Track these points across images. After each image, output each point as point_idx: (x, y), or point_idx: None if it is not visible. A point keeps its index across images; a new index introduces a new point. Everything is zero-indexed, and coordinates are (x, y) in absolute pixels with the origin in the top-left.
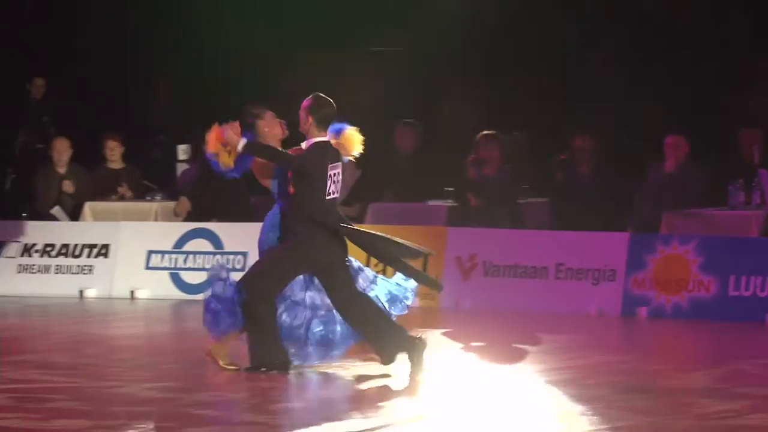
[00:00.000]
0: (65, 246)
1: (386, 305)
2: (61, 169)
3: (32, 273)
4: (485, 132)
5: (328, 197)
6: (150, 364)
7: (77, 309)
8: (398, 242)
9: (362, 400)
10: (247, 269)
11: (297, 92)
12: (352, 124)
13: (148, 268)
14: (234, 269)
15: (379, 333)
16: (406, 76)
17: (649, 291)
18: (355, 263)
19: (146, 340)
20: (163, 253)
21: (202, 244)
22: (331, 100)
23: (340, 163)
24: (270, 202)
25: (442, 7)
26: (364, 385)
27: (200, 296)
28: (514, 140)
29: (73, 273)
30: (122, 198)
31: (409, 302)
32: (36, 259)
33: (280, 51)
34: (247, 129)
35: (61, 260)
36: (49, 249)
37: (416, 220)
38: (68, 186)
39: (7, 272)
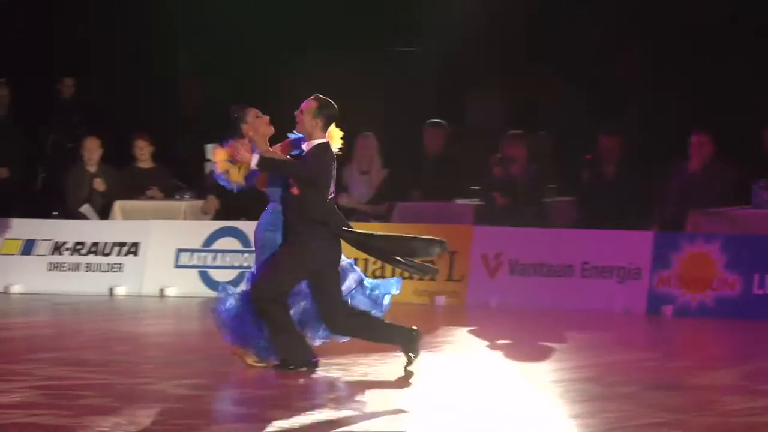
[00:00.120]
0: (95, 244)
1: (369, 307)
2: (92, 168)
3: (63, 271)
4: (512, 131)
5: (329, 197)
6: (179, 362)
7: (107, 307)
8: (405, 238)
9: (387, 396)
10: None
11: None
12: (379, 124)
13: (177, 266)
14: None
15: (370, 336)
16: (433, 76)
17: (674, 289)
18: (347, 260)
19: (175, 338)
20: (192, 251)
21: (230, 243)
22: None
23: (335, 162)
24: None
25: (468, 6)
26: (388, 382)
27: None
28: (540, 139)
29: (103, 271)
30: (152, 198)
31: (387, 301)
32: (66, 257)
33: (304, 52)
34: (236, 131)
35: (92, 258)
36: (79, 247)
37: (443, 219)
38: (99, 184)
39: (37, 270)
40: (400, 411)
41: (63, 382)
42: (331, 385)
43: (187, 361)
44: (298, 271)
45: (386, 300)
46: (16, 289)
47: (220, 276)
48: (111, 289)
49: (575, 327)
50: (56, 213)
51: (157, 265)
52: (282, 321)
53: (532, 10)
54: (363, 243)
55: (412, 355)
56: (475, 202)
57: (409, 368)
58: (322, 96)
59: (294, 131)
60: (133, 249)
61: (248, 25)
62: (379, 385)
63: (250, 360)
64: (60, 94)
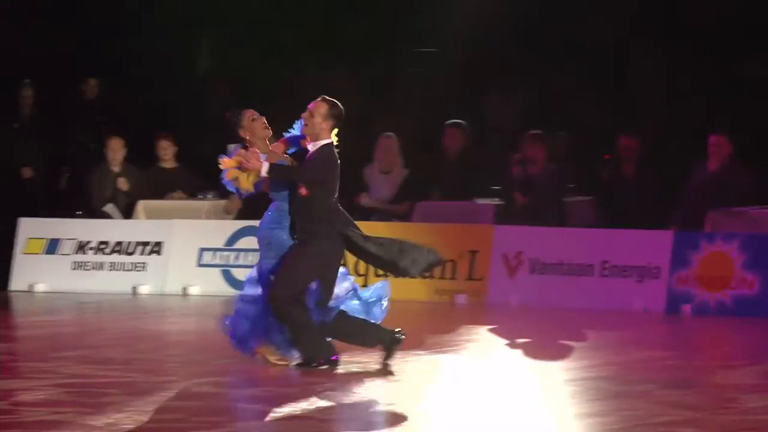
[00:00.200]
0: (119, 243)
1: (363, 314)
2: (116, 168)
3: (86, 270)
4: (531, 132)
5: (335, 196)
6: (202, 360)
7: (131, 305)
8: (409, 246)
9: (408, 395)
10: None
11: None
12: (400, 125)
13: (200, 265)
14: None
15: (355, 338)
16: (454, 76)
17: (692, 288)
18: (343, 268)
19: (198, 336)
20: (214, 250)
21: (252, 242)
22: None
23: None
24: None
25: (488, 7)
26: (408, 380)
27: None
28: (559, 140)
29: (126, 270)
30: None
31: (384, 306)
32: (90, 257)
33: (326, 52)
34: (234, 135)
35: (115, 257)
36: (103, 246)
37: (463, 219)
38: (123, 183)
39: (62, 269)
40: (421, 410)
41: (86, 380)
42: (352, 383)
43: (209, 360)
44: (312, 269)
45: (384, 304)
46: (40, 287)
47: (243, 275)
48: (134, 288)
49: (595, 326)
50: (80, 212)
51: (180, 264)
52: (302, 319)
53: (551, 10)
54: (363, 248)
55: (390, 353)
56: (496, 201)
57: (388, 362)
58: (329, 97)
59: (290, 130)
60: (157, 248)
61: (270, 25)
62: (400, 383)
63: (273, 358)
64: (84, 94)
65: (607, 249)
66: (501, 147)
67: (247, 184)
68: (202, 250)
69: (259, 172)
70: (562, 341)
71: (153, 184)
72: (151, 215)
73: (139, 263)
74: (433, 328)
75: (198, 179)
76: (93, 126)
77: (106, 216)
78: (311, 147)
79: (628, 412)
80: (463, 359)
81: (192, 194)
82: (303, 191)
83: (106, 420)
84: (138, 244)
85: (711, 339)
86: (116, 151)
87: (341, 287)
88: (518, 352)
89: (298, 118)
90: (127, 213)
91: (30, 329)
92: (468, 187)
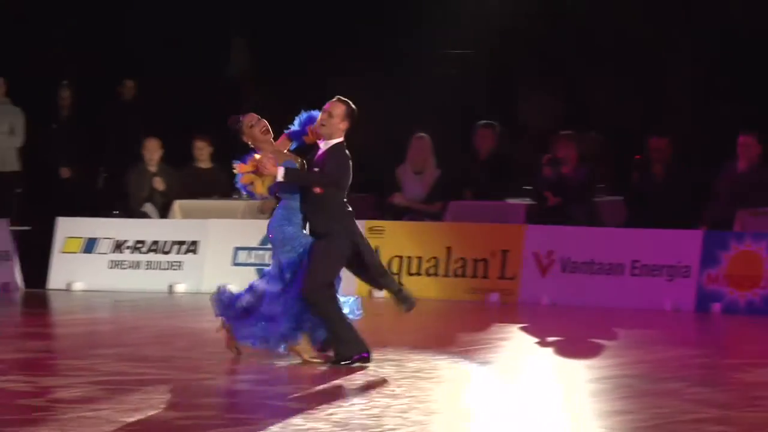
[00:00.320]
0: (155, 243)
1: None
2: (152, 168)
3: (123, 269)
4: (562, 132)
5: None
6: (237, 358)
7: (167, 304)
8: (388, 276)
9: (442, 392)
10: None
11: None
12: (432, 125)
13: (235, 264)
14: None
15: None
16: (485, 77)
17: (722, 287)
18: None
19: None
20: (249, 249)
21: None
22: None
23: None
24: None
25: (520, 8)
26: (442, 378)
27: None
28: (590, 140)
29: (162, 269)
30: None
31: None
32: (127, 255)
33: (356, 52)
34: (239, 141)
35: (152, 256)
36: (139, 245)
37: (495, 218)
38: (159, 183)
39: (99, 268)
40: (455, 408)
41: (123, 377)
42: (384, 380)
43: (245, 357)
44: (335, 263)
45: (352, 318)
46: (78, 286)
47: None
48: (170, 287)
49: (625, 324)
50: (117, 212)
51: (216, 263)
52: (336, 315)
53: (582, 10)
54: (361, 252)
55: (343, 361)
56: (527, 201)
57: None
58: (344, 98)
59: (289, 126)
60: (193, 247)
61: (302, 25)
62: (432, 380)
63: (307, 356)
64: (121, 96)
65: (638, 248)
66: (532, 147)
67: (261, 188)
68: (237, 249)
69: (274, 176)
70: (592, 339)
71: (189, 184)
72: (187, 215)
73: (175, 262)
74: (466, 326)
75: (233, 179)
76: (130, 127)
77: (143, 215)
78: (323, 146)
79: (657, 410)
80: (495, 357)
81: (227, 194)
82: (317, 189)
83: (142, 417)
84: (174, 243)
85: (740, 337)
86: (153, 151)
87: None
88: (549, 350)
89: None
90: (164, 213)
91: (67, 327)
92: (499, 187)
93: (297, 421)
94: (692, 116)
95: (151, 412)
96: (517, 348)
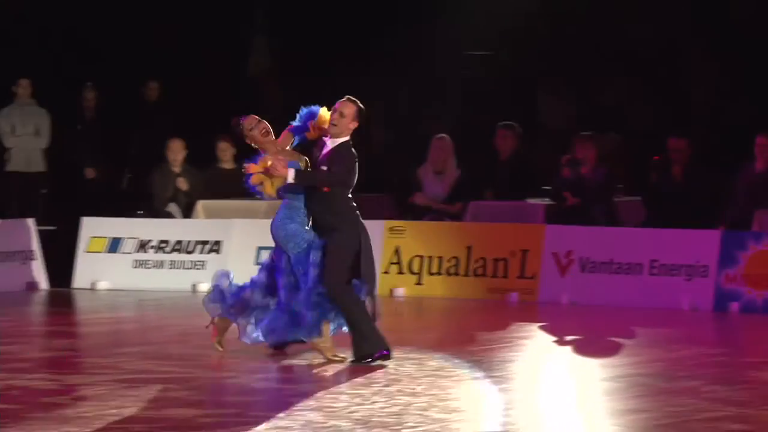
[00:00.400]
0: (179, 242)
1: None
2: (176, 169)
3: (147, 268)
4: (582, 133)
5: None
6: (261, 356)
7: (190, 303)
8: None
9: (463, 390)
10: None
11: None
12: (455, 126)
13: (257, 263)
14: None
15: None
16: (505, 78)
17: (740, 286)
18: None
19: None
20: (272, 249)
21: None
22: None
23: None
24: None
25: (540, 9)
26: (461, 376)
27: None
28: (609, 140)
29: (186, 268)
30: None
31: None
32: (151, 255)
33: (378, 53)
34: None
35: (175, 256)
36: (163, 245)
37: (515, 218)
38: (182, 183)
39: (123, 267)
40: (475, 406)
41: (147, 375)
42: (407, 378)
43: (269, 356)
44: (348, 255)
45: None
46: (102, 285)
47: None
48: (194, 286)
49: (643, 323)
50: (141, 212)
51: (239, 263)
52: (359, 312)
53: (602, 12)
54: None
55: (364, 359)
56: (546, 201)
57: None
58: (353, 98)
59: (291, 122)
60: (216, 247)
61: (323, 25)
62: (452, 379)
63: (329, 354)
64: (145, 96)
65: (656, 248)
66: (552, 148)
67: (271, 189)
68: (260, 248)
69: (284, 178)
70: (610, 338)
71: (212, 184)
72: (210, 215)
73: (198, 261)
74: (485, 325)
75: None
76: (154, 128)
77: (167, 215)
78: (330, 143)
79: (674, 408)
80: (515, 356)
81: (250, 195)
82: (325, 188)
83: (165, 414)
84: (197, 243)
85: (758, 336)
86: (176, 152)
87: None
88: (568, 348)
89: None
90: (188, 213)
91: (92, 326)
92: (519, 188)
93: (318, 418)
94: (710, 117)
95: (174, 410)
96: (536, 347)
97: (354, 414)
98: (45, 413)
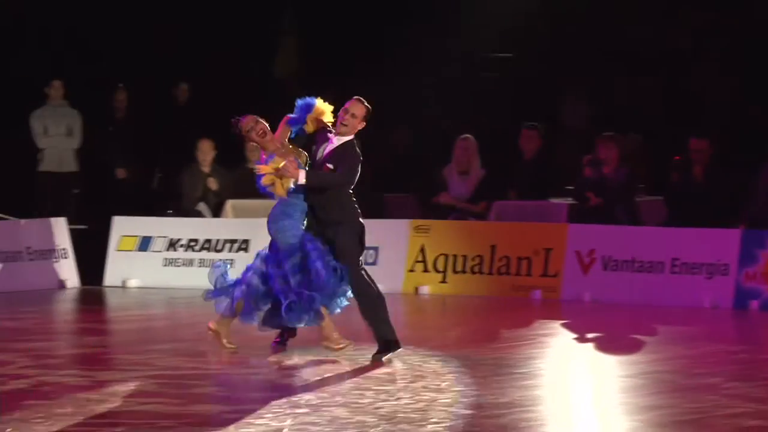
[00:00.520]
0: (208, 241)
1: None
2: (206, 169)
3: (177, 266)
4: (604, 133)
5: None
6: (289, 353)
7: None
8: None
9: (485, 385)
10: (378, 263)
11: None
12: (477, 127)
13: None
14: (366, 263)
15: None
16: (528, 79)
17: (760, 284)
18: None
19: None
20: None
21: None
22: None
23: None
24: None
25: (560, 11)
26: (485, 372)
27: None
28: (631, 141)
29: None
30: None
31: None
32: (181, 253)
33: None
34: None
35: (204, 254)
36: (193, 244)
37: (538, 218)
38: (213, 183)
39: (153, 265)
40: (499, 401)
41: (176, 371)
42: (432, 374)
43: (294, 353)
44: (359, 243)
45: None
46: (133, 283)
47: None
48: None
49: (664, 321)
50: (171, 211)
51: None
52: (376, 306)
53: (624, 14)
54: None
55: (386, 350)
56: (569, 201)
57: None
58: (362, 99)
59: (289, 115)
60: (244, 245)
61: (349, 27)
62: (476, 375)
63: (335, 345)
64: (175, 98)
65: (677, 247)
66: (574, 148)
67: (282, 190)
68: None
69: (296, 179)
70: (632, 335)
71: (241, 184)
72: (239, 214)
73: (227, 260)
74: (509, 323)
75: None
76: (184, 128)
77: (197, 215)
78: (335, 140)
79: (695, 405)
80: (538, 353)
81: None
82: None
83: (193, 410)
84: (226, 241)
85: None
86: (206, 152)
87: None
88: (590, 345)
89: (377, 118)
90: (217, 212)
91: (123, 323)
92: (542, 187)
93: (344, 414)
94: (731, 117)
95: (201, 406)
96: (559, 344)
97: (379, 410)
98: (76, 409)
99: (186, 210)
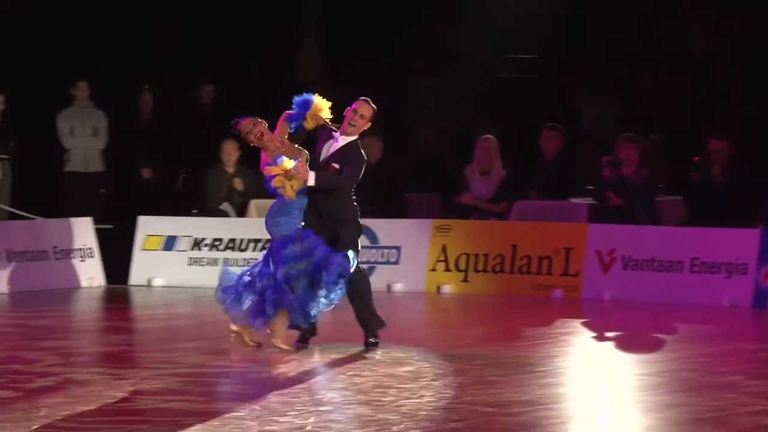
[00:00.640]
0: (232, 240)
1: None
2: (230, 170)
3: (201, 265)
4: (624, 134)
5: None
6: (311, 351)
7: None
8: None
9: (507, 383)
10: (400, 263)
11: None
12: (499, 128)
13: None
14: (388, 263)
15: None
16: (549, 80)
17: None
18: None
19: None
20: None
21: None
22: None
23: None
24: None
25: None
26: (504, 369)
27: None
28: (651, 142)
29: (239, 266)
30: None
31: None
32: (205, 253)
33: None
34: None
35: (229, 254)
36: (217, 243)
37: (559, 218)
38: (238, 183)
39: (178, 264)
40: (522, 399)
41: (201, 369)
42: (454, 372)
43: (316, 351)
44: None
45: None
46: (158, 282)
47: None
48: None
49: (684, 320)
50: (195, 211)
51: None
52: (366, 296)
53: (643, 15)
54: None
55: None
56: (589, 201)
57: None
58: (370, 100)
59: (288, 111)
60: (268, 245)
61: (371, 28)
62: (498, 373)
63: (279, 341)
64: (200, 99)
65: (697, 246)
66: (595, 148)
67: (291, 191)
68: None
69: (305, 181)
70: (652, 334)
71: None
72: (263, 214)
73: (251, 259)
74: (530, 321)
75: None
76: (208, 129)
77: (220, 214)
78: (341, 140)
79: (715, 402)
80: (559, 351)
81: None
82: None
83: (217, 408)
84: (250, 241)
85: None
86: (230, 153)
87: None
88: (610, 344)
89: (400, 118)
90: (241, 212)
91: (148, 322)
92: (563, 187)
93: (367, 412)
94: (750, 117)
95: (226, 404)
96: (579, 342)
97: (402, 408)
98: (101, 406)
99: (210, 210)
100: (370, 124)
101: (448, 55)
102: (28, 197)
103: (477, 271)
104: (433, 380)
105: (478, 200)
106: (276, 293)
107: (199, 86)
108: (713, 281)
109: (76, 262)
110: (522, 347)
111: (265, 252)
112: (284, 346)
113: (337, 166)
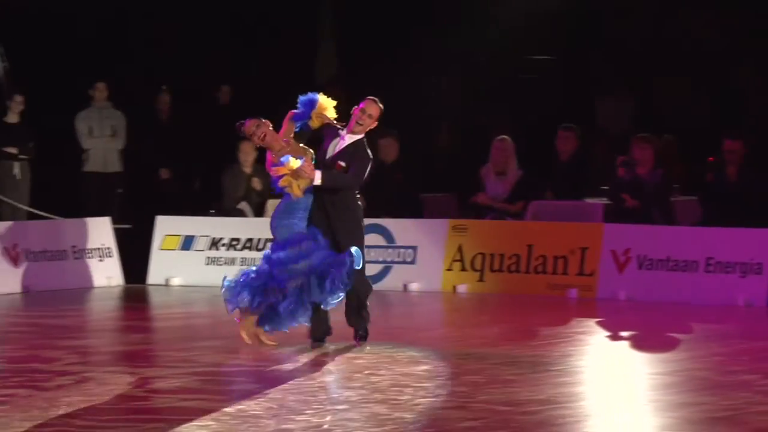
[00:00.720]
0: (250, 240)
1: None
2: (248, 170)
3: (219, 265)
4: (639, 134)
5: None
6: (329, 349)
7: None
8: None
9: (521, 381)
10: (416, 262)
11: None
12: (516, 129)
13: None
14: (404, 262)
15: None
16: (565, 81)
17: None
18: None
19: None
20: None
21: (374, 239)
22: None
23: None
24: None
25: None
26: (520, 368)
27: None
28: (666, 142)
29: (256, 265)
30: None
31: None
32: (223, 252)
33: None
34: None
35: (246, 253)
36: (234, 243)
37: (574, 218)
38: (257, 183)
39: (196, 264)
40: (538, 398)
41: (219, 368)
42: (470, 371)
43: (331, 350)
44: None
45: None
46: (175, 281)
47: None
48: None
49: (699, 319)
50: (213, 211)
51: None
52: (368, 294)
53: (660, 16)
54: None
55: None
56: (604, 201)
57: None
58: (377, 99)
59: (293, 111)
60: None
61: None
62: (514, 372)
63: (253, 335)
64: (218, 100)
65: (712, 246)
66: (610, 149)
67: (298, 191)
68: None
69: (312, 180)
70: (667, 333)
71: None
72: None
73: None
74: (546, 321)
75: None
76: (225, 130)
77: (238, 214)
78: (347, 138)
79: (730, 401)
80: (575, 350)
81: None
82: (340, 164)
83: (234, 406)
84: (268, 240)
85: None
86: (248, 153)
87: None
88: (625, 343)
89: (417, 119)
90: (259, 211)
91: (166, 321)
92: (579, 188)
93: (383, 410)
94: (765, 118)
95: (244, 403)
96: (595, 341)
97: (418, 406)
98: (119, 404)
99: (228, 210)
100: (376, 123)
101: (464, 56)
102: (46, 197)
103: (493, 270)
104: (449, 379)
105: (493, 200)
106: (269, 294)
107: (217, 87)
108: (728, 281)
109: (94, 261)
110: (537, 346)
111: (267, 251)
112: (249, 340)
113: (343, 163)
